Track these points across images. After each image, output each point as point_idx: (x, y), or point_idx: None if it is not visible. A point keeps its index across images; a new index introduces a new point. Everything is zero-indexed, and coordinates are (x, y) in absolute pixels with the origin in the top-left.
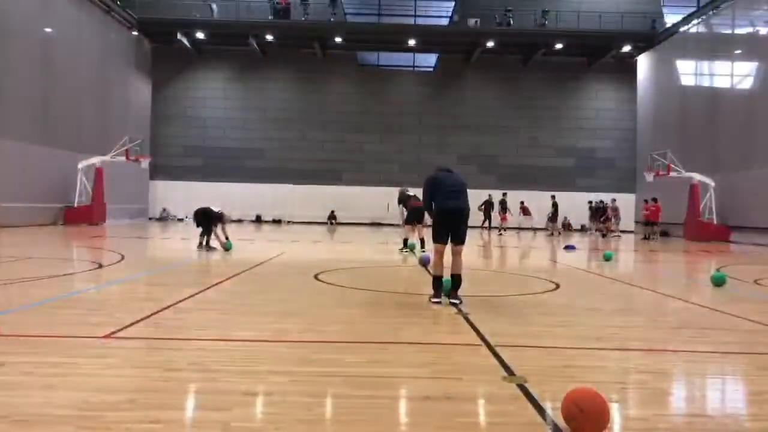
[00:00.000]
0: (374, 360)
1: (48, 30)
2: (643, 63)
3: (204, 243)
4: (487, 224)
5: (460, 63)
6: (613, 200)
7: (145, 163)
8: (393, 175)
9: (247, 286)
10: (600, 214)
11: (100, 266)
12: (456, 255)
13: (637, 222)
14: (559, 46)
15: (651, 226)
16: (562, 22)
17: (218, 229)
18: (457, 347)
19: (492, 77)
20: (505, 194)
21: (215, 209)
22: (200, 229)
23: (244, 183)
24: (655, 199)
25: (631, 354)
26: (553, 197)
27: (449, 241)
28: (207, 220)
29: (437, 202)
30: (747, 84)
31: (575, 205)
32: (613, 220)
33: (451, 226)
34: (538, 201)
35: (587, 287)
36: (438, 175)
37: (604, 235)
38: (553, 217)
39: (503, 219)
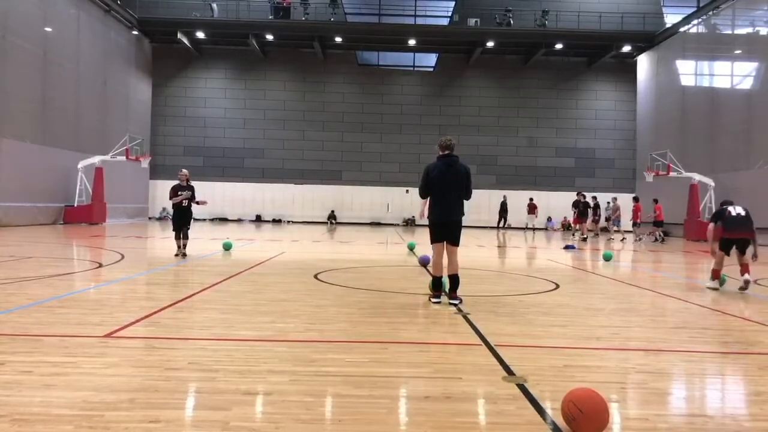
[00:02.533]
0: (374, 360)
1: (48, 30)
2: (643, 63)
3: (182, 246)
4: (501, 224)
5: (460, 63)
6: (614, 199)
7: (145, 163)
8: (393, 175)
9: (247, 286)
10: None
11: (100, 266)
12: (451, 255)
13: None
14: (559, 46)
15: (636, 227)
16: (562, 22)
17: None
18: (457, 347)
19: (492, 77)
20: (595, 198)
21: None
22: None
23: (244, 183)
24: (636, 199)
25: (631, 354)
26: (594, 198)
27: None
28: (189, 204)
29: (430, 204)
30: (747, 84)
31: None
32: (612, 220)
33: (443, 231)
34: (538, 201)
35: (587, 287)
36: (432, 173)
37: (584, 238)
38: (596, 218)
39: (596, 221)
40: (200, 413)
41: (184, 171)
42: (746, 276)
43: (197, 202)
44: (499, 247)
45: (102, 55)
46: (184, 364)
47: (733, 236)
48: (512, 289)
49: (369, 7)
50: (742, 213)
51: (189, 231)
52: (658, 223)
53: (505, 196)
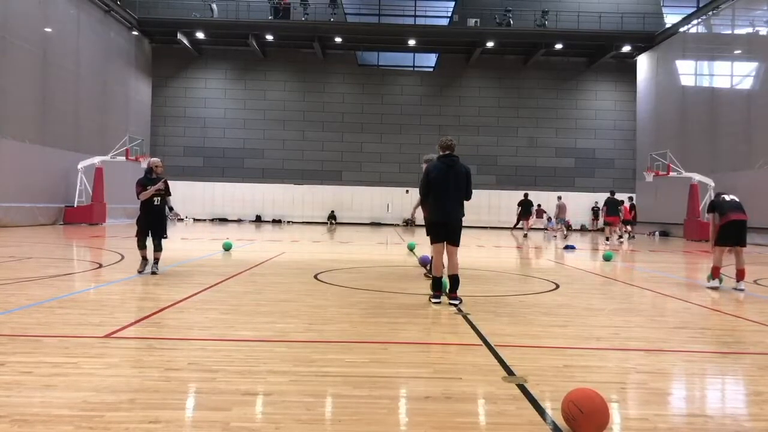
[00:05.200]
0: (374, 360)
1: (48, 30)
2: (643, 63)
3: (152, 261)
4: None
5: (460, 63)
6: (559, 198)
7: (145, 163)
8: (393, 175)
9: (247, 286)
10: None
11: (100, 266)
12: (452, 255)
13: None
14: (559, 46)
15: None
16: (562, 23)
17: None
18: (457, 347)
19: (492, 77)
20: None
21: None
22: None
23: (244, 183)
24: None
25: (631, 354)
26: (630, 198)
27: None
28: (162, 202)
29: (430, 204)
30: (747, 84)
31: (576, 205)
32: (557, 218)
33: (443, 232)
34: (538, 201)
35: (587, 287)
36: (433, 173)
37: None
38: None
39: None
40: (200, 414)
41: (157, 160)
42: (742, 285)
43: (170, 208)
44: (499, 247)
45: (102, 56)
46: (184, 365)
47: (732, 218)
48: (512, 289)
49: (369, 7)
50: (736, 199)
51: (163, 240)
52: (626, 222)
53: (526, 194)
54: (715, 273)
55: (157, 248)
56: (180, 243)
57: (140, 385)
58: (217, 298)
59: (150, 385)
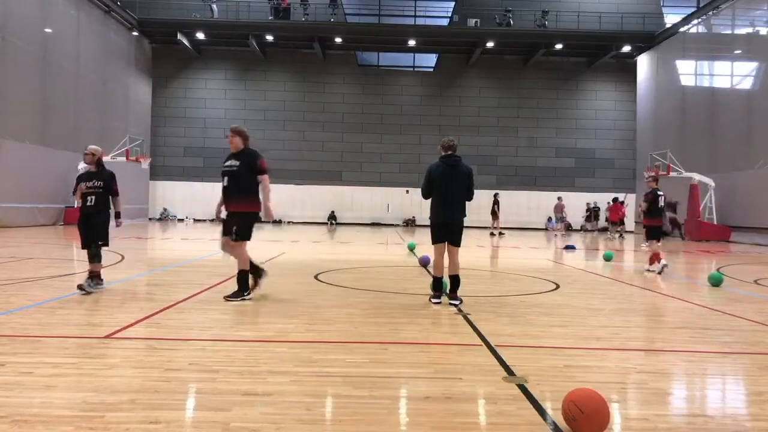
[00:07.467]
0: (374, 360)
1: (48, 30)
2: (643, 63)
3: (90, 277)
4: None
5: (460, 63)
6: (559, 198)
7: (145, 164)
8: (393, 175)
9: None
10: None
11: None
12: (453, 256)
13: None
14: (559, 46)
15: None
16: (562, 23)
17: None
18: (457, 347)
19: (492, 77)
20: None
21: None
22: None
23: None
24: (615, 199)
25: (631, 354)
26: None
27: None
28: (101, 202)
29: (431, 205)
30: (747, 84)
31: (576, 206)
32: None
33: (445, 232)
34: (538, 201)
35: (587, 287)
36: (435, 173)
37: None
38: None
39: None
40: (201, 414)
41: (92, 148)
42: (652, 266)
43: (117, 214)
44: (497, 247)
45: (102, 56)
46: (185, 365)
47: (657, 224)
48: (512, 289)
49: (369, 7)
50: (664, 205)
51: (101, 248)
52: (614, 223)
53: (595, 202)
54: (652, 259)
55: (93, 258)
56: (180, 243)
57: (140, 385)
58: (218, 298)
59: (150, 385)
